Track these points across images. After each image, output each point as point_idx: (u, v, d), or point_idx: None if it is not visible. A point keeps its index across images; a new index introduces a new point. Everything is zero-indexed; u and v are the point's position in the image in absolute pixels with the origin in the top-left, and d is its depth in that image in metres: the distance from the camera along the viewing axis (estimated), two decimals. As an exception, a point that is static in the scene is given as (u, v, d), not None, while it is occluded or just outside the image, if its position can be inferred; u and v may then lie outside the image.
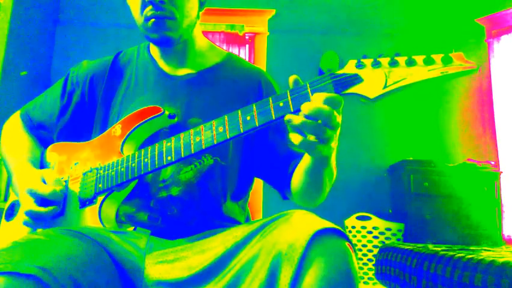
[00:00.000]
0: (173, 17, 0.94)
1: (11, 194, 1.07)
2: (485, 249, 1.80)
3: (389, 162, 3.46)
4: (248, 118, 0.73)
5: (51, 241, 0.70)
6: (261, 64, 3.63)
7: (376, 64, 0.69)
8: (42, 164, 1.06)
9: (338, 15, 3.76)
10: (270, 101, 0.72)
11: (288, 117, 0.69)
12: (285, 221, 0.70)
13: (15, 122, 1.14)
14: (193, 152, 0.79)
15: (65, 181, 0.97)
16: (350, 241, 0.68)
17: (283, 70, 3.01)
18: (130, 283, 0.77)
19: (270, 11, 3.75)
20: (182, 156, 0.80)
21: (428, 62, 0.67)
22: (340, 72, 0.70)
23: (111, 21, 3.67)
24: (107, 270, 0.73)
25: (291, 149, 0.97)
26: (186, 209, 0.92)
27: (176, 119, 0.94)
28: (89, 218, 0.90)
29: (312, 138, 0.69)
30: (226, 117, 0.76)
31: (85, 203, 0.91)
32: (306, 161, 0.83)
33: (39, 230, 0.90)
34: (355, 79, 0.69)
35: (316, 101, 0.67)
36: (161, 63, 1.05)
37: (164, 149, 0.83)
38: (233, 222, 0.97)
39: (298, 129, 0.68)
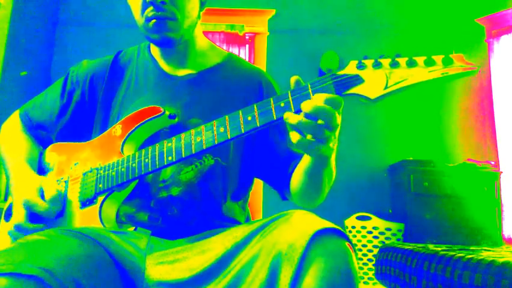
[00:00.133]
0: (174, 17, 0.94)
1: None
2: (485, 249, 1.80)
3: (389, 162, 3.46)
4: (249, 118, 0.73)
5: (53, 242, 0.70)
6: (261, 64, 3.63)
7: (377, 65, 0.69)
8: (40, 165, 1.06)
9: (338, 15, 3.76)
10: (271, 101, 0.72)
11: (286, 115, 0.69)
12: (285, 221, 0.70)
13: (14, 121, 1.13)
14: (194, 152, 0.79)
15: (65, 181, 0.97)
16: (350, 241, 0.68)
17: (283, 70, 3.02)
18: (130, 283, 0.77)
19: (270, 11, 3.75)
20: (183, 156, 0.80)
21: (429, 63, 0.67)
22: (341, 72, 0.70)
23: (111, 21, 3.67)
24: (108, 271, 0.73)
25: (291, 150, 0.97)
26: (186, 209, 0.92)
27: (176, 119, 0.94)
28: (90, 218, 0.90)
29: (310, 137, 0.69)
30: (227, 117, 0.76)
31: (85, 203, 0.91)
32: (305, 161, 0.83)
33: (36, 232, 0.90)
34: (356, 80, 0.69)
35: (317, 101, 0.67)
36: (162, 63, 1.05)
37: (165, 149, 0.83)
38: (233, 222, 0.97)
39: (296, 128, 0.69)
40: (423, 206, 3.09)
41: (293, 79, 0.72)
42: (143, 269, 0.79)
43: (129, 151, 0.92)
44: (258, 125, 0.72)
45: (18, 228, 0.89)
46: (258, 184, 2.83)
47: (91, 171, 0.93)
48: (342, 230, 0.68)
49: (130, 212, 0.93)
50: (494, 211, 3.08)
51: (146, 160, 0.85)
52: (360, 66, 0.70)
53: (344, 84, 0.69)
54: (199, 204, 0.93)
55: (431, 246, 1.78)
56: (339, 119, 0.69)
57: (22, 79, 3.26)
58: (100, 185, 0.90)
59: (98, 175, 0.91)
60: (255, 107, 0.73)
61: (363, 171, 3.52)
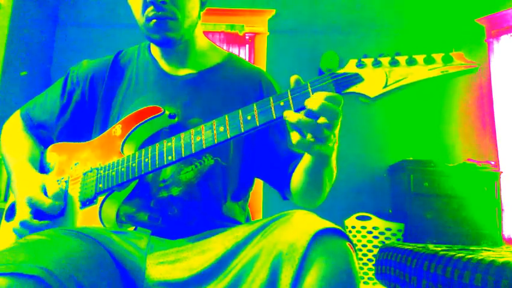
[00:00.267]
0: (174, 17, 0.94)
1: (11, 194, 1.06)
2: (485, 249, 1.80)
3: (389, 162, 3.46)
4: (249, 118, 0.73)
5: (53, 242, 0.70)
6: (261, 64, 3.63)
7: (377, 63, 0.69)
8: (42, 164, 1.06)
9: (338, 15, 3.76)
10: (271, 100, 0.72)
11: (285, 113, 0.69)
12: (286, 221, 0.70)
13: (15, 121, 1.14)
14: (193, 151, 0.79)
15: (66, 181, 0.97)
16: (351, 241, 0.68)
17: (283, 70, 3.02)
18: (131, 283, 0.76)
19: (270, 11, 3.75)
20: (183, 156, 0.80)
21: (429, 61, 0.67)
22: (341, 71, 0.70)
23: (111, 21, 3.67)
24: (108, 271, 0.73)
25: (291, 149, 0.97)
26: (186, 209, 0.92)
27: (176, 119, 0.94)
28: (90, 218, 0.90)
29: (309, 137, 0.69)
30: (226, 116, 0.76)
31: (85, 203, 0.91)
32: (306, 160, 0.83)
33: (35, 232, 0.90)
34: (356, 78, 0.69)
35: (316, 99, 0.67)
36: (162, 63, 1.04)
37: (164, 149, 0.83)
38: (233, 222, 0.97)
39: (296, 126, 0.69)
40: (423, 206, 3.09)
41: (293, 78, 0.72)
42: (144, 268, 0.79)
43: (129, 151, 0.92)
44: (258, 124, 0.72)
45: (24, 225, 0.89)
46: (258, 184, 2.83)
47: (91, 171, 0.93)
48: (343, 230, 0.68)
49: (130, 211, 0.93)
50: (494, 211, 3.08)
51: (146, 160, 0.85)
52: (360, 65, 0.70)
53: (344, 82, 0.69)
54: (199, 204, 0.93)
55: (431, 246, 1.78)
56: (337, 117, 0.69)
57: (22, 79, 3.26)
58: (100, 185, 0.90)
59: (98, 175, 0.91)
60: (255, 106, 0.73)
61: (363, 171, 3.52)
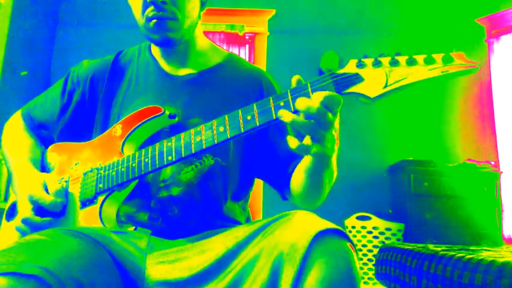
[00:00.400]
0: (174, 17, 0.94)
1: (12, 194, 1.07)
2: (485, 249, 1.80)
3: (389, 162, 3.46)
4: (249, 118, 0.73)
5: (53, 241, 0.70)
6: (261, 64, 3.63)
7: (377, 63, 0.69)
8: (43, 164, 1.06)
9: (338, 15, 3.76)
10: (271, 100, 0.72)
11: (280, 113, 0.69)
12: (287, 221, 0.70)
13: (16, 121, 1.14)
14: (193, 151, 0.79)
15: (66, 181, 0.97)
16: (351, 242, 0.68)
17: (283, 70, 3.02)
18: (131, 283, 0.77)
19: (270, 11, 3.75)
20: (183, 156, 0.80)
21: (429, 61, 0.67)
22: (341, 71, 0.70)
23: (111, 21, 3.67)
24: (108, 271, 0.73)
25: (291, 150, 0.97)
26: (186, 209, 0.92)
27: (176, 119, 0.94)
28: (90, 218, 0.90)
29: (307, 139, 0.69)
30: (226, 116, 0.76)
31: (85, 203, 0.91)
32: (306, 161, 0.83)
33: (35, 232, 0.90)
34: (356, 78, 0.69)
35: (314, 99, 0.67)
36: (163, 63, 1.05)
37: (164, 149, 0.83)
38: (233, 222, 0.97)
39: (292, 126, 0.69)
40: (423, 206, 3.09)
41: (294, 79, 0.72)
42: (144, 268, 0.79)
43: (129, 151, 0.92)
44: (258, 124, 0.72)
45: (26, 222, 0.89)
46: (258, 184, 2.83)
47: (91, 171, 0.93)
48: (343, 230, 0.68)
49: (130, 211, 0.93)
50: (494, 211, 3.08)
51: (146, 160, 0.85)
52: (360, 65, 0.70)
53: (344, 82, 0.69)
54: (199, 204, 0.93)
55: (431, 246, 1.78)
56: (331, 116, 0.69)
57: (22, 79, 3.26)
58: (100, 185, 0.90)
59: (99, 175, 0.91)
60: (255, 107, 0.73)
61: (363, 171, 3.52)
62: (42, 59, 3.58)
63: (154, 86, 1.01)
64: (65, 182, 0.97)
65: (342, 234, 0.67)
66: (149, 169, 0.84)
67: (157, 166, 0.83)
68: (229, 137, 0.75)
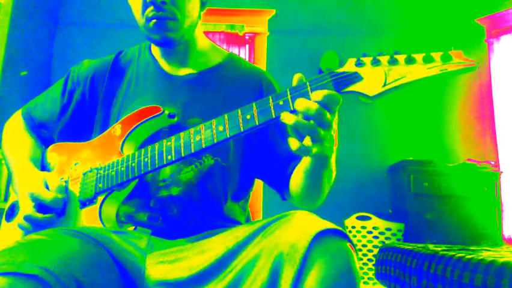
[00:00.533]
0: (174, 17, 0.94)
1: (11, 194, 1.07)
2: (485, 249, 1.80)
3: (389, 162, 3.47)
4: (248, 117, 0.73)
5: (53, 241, 0.70)
6: (261, 64, 3.63)
7: (376, 62, 0.69)
8: (43, 164, 1.06)
9: (338, 15, 3.76)
10: (270, 99, 0.72)
11: (282, 115, 0.69)
12: (287, 221, 0.70)
13: (16, 121, 1.14)
14: (193, 151, 0.79)
15: (66, 181, 0.97)
16: (351, 242, 0.68)
17: (283, 70, 3.02)
18: (131, 283, 0.77)
19: (270, 11, 3.75)
20: (183, 155, 0.80)
21: (428, 59, 0.67)
22: (340, 70, 0.70)
23: (111, 21, 3.68)
24: (108, 270, 0.73)
25: (292, 151, 0.97)
26: (186, 209, 0.92)
27: (176, 119, 0.94)
28: (90, 218, 0.90)
29: (307, 140, 0.69)
30: (226, 116, 0.76)
31: (85, 203, 0.91)
32: (305, 162, 0.83)
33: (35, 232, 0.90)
34: (355, 77, 0.69)
35: (313, 99, 0.67)
36: (163, 63, 1.05)
37: (164, 149, 0.83)
38: (233, 222, 0.97)
39: (292, 128, 0.69)
40: (423, 206, 3.09)
41: (296, 77, 0.72)
42: (143, 268, 0.79)
43: (129, 151, 0.92)
44: (257, 123, 0.72)
45: (27, 219, 0.89)
46: (258, 184, 2.83)
47: (90, 171, 0.93)
48: (343, 230, 0.68)
49: (129, 211, 0.93)
50: (494, 211, 3.08)
51: (146, 159, 0.85)
52: (359, 64, 0.70)
53: (343, 81, 0.69)
54: (199, 204, 0.93)
55: (431, 246, 1.78)
56: (330, 117, 0.69)
57: (22, 79, 3.26)
58: (100, 185, 0.90)
59: (98, 175, 0.91)
60: (254, 106, 0.73)
61: (363, 171, 3.52)
62: (42, 59, 3.58)
63: (154, 85, 1.01)
64: (65, 182, 0.97)
65: (342, 235, 0.67)
66: (149, 169, 0.84)
67: (157, 166, 0.83)
68: (228, 136, 0.75)
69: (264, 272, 0.66)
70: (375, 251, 2.96)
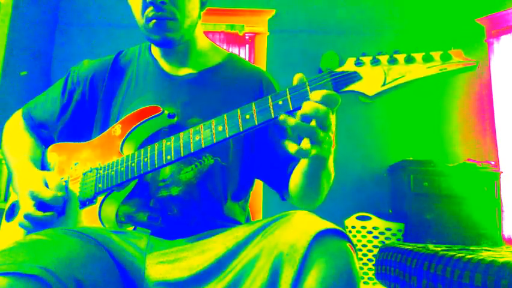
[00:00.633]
0: (174, 17, 0.94)
1: (11, 194, 1.07)
2: (485, 249, 1.80)
3: (389, 162, 3.46)
4: (247, 117, 0.73)
5: (54, 241, 0.70)
6: (261, 64, 3.63)
7: (375, 62, 0.69)
8: (43, 164, 1.06)
9: (338, 15, 3.77)
10: (270, 99, 0.72)
11: (282, 117, 0.69)
12: (287, 221, 0.70)
13: (16, 120, 1.14)
14: (192, 151, 0.79)
15: (65, 181, 0.97)
16: (351, 242, 0.68)
17: (283, 70, 3.02)
18: (131, 283, 0.77)
19: (270, 11, 3.75)
20: (182, 155, 0.80)
21: (427, 59, 0.67)
22: (339, 70, 0.70)
23: (111, 21, 3.68)
24: (108, 271, 0.73)
25: (291, 154, 0.97)
26: (186, 209, 0.91)
27: (175, 119, 0.94)
28: (89, 218, 0.90)
29: (306, 143, 0.69)
30: (225, 116, 0.76)
31: (85, 203, 0.91)
32: (303, 163, 0.83)
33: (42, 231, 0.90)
34: (354, 77, 0.69)
35: (314, 99, 0.67)
36: (163, 63, 1.05)
37: (163, 149, 0.83)
38: (233, 222, 0.97)
39: (293, 130, 0.68)
40: (423, 206, 3.09)
41: (296, 77, 0.71)
42: (143, 268, 0.79)
43: (128, 151, 0.92)
44: (257, 123, 0.72)
45: (28, 217, 0.89)
46: (258, 184, 2.83)
47: (90, 171, 0.93)
48: (343, 230, 0.68)
49: (129, 211, 0.93)
50: (494, 211, 3.08)
51: (145, 159, 0.84)
52: (358, 63, 0.69)
53: (342, 81, 0.69)
54: (199, 204, 0.93)
55: (431, 246, 1.78)
56: (332, 118, 0.69)
57: (22, 79, 3.26)
58: (100, 185, 0.90)
59: (98, 175, 0.91)
60: (253, 106, 0.73)
61: (363, 171, 3.52)
62: (42, 59, 3.58)
63: (154, 85, 1.01)
64: (65, 182, 0.97)
65: (341, 235, 0.67)
66: (149, 169, 0.84)
67: (156, 166, 0.83)
68: (228, 136, 0.75)
69: (263, 272, 0.66)
70: (375, 251, 2.95)
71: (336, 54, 3.64)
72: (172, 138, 0.82)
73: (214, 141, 0.76)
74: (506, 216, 3.28)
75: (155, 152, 0.84)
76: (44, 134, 1.11)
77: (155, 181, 0.92)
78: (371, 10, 3.76)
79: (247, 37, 3.76)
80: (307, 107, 0.67)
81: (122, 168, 0.87)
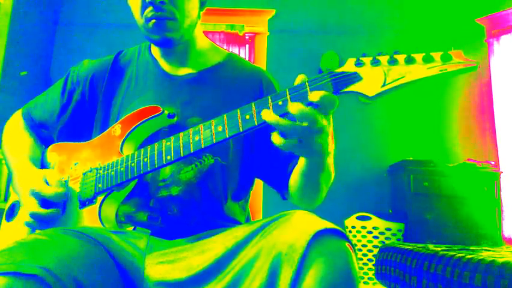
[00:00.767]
0: (173, 17, 0.94)
1: (11, 194, 1.07)
2: (485, 249, 1.80)
3: (389, 162, 3.46)
4: (247, 117, 0.73)
5: (53, 241, 0.70)
6: (261, 64, 3.63)
7: (375, 62, 0.69)
8: (43, 164, 1.06)
9: (338, 15, 3.76)
10: (269, 99, 0.72)
11: (263, 114, 0.69)
12: (286, 221, 0.70)
13: (17, 120, 1.14)
14: (192, 151, 0.79)
15: (65, 181, 0.97)
16: (350, 242, 0.67)
17: (283, 70, 3.02)
18: (131, 283, 0.77)
19: (270, 11, 3.75)
20: (182, 155, 0.80)
21: (427, 59, 0.67)
22: (339, 70, 0.70)
23: (111, 21, 3.68)
24: (108, 270, 0.73)
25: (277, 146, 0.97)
26: (186, 208, 0.91)
27: (175, 119, 0.94)
28: (89, 218, 0.90)
29: (293, 140, 0.69)
30: (225, 116, 0.76)
31: (84, 203, 0.92)
32: (301, 163, 0.83)
33: (38, 231, 0.90)
34: (354, 77, 0.69)
35: (312, 100, 0.67)
36: (162, 63, 1.05)
37: (163, 149, 0.83)
38: (233, 222, 0.97)
39: (277, 128, 0.68)
40: (423, 206, 3.09)
41: (299, 78, 0.71)
42: (143, 268, 0.79)
43: (128, 151, 0.92)
44: (256, 123, 0.72)
45: (33, 215, 0.89)
46: (258, 184, 2.83)
47: (90, 171, 0.93)
48: (342, 230, 0.68)
49: (129, 211, 0.93)
50: (494, 211, 3.08)
51: (145, 159, 0.84)
52: (358, 64, 0.69)
53: (342, 81, 0.69)
54: (199, 204, 0.93)
55: (431, 246, 1.78)
56: (325, 120, 0.68)
57: (22, 79, 3.26)
58: (100, 185, 0.90)
59: (98, 175, 0.91)
60: (253, 106, 0.73)
61: (363, 171, 3.52)
62: (42, 59, 3.58)
63: (154, 85, 1.01)
64: (65, 182, 0.97)
65: (340, 234, 0.67)
66: (148, 169, 0.84)
67: (156, 166, 0.83)
68: (227, 136, 0.75)
69: (262, 272, 0.66)
70: (375, 251, 2.95)
71: (336, 54, 3.64)
72: (172, 138, 0.82)
73: (214, 141, 0.76)
74: (506, 216, 3.28)
75: (155, 152, 0.84)
76: (44, 133, 1.11)
77: (155, 181, 0.92)
78: (371, 10, 3.76)
79: (247, 37, 3.76)
80: (293, 109, 0.67)
81: (122, 168, 0.87)
